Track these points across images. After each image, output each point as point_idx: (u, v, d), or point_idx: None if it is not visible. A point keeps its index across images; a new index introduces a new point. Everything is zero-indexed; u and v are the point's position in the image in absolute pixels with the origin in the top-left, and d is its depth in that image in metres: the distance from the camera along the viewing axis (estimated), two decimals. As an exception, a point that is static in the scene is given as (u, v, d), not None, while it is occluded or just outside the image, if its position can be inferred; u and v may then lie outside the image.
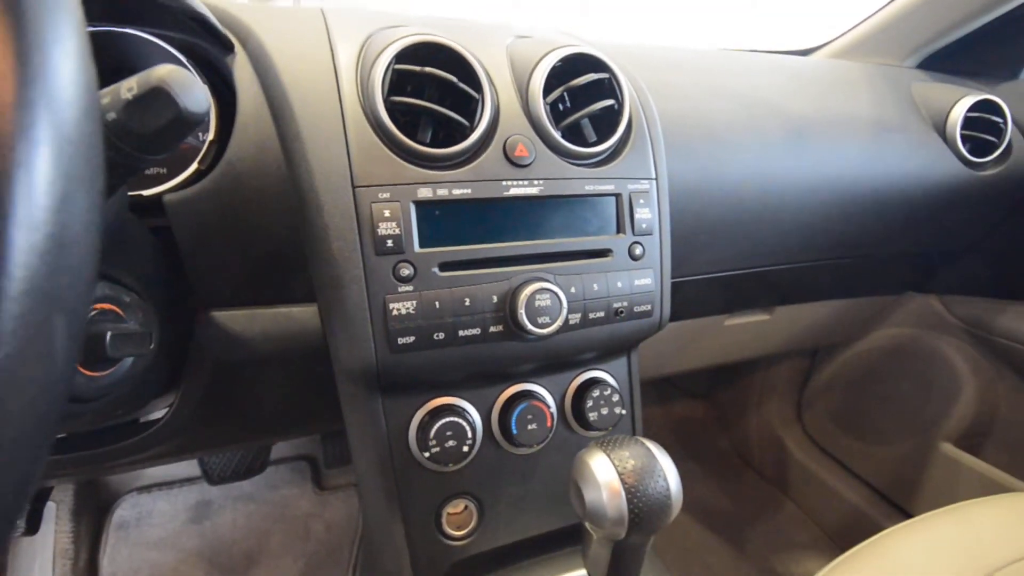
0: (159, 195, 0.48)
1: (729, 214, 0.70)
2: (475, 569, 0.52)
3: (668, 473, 0.37)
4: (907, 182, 0.80)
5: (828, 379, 1.32)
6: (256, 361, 0.60)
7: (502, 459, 0.53)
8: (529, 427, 0.52)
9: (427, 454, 0.48)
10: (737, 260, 0.78)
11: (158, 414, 0.57)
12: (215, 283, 0.54)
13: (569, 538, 0.55)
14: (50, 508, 1.09)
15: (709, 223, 0.68)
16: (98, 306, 0.39)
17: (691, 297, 0.82)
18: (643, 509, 0.35)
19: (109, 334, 0.36)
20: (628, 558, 0.38)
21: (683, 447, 1.51)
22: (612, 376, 0.58)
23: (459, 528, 0.52)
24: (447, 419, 0.49)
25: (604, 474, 0.36)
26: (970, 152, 0.84)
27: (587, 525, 0.38)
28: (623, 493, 0.35)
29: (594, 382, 0.56)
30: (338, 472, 1.34)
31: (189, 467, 1.25)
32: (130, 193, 0.48)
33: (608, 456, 0.37)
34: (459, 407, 0.51)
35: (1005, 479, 0.97)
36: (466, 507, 0.53)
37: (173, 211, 0.48)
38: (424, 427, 0.49)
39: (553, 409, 0.54)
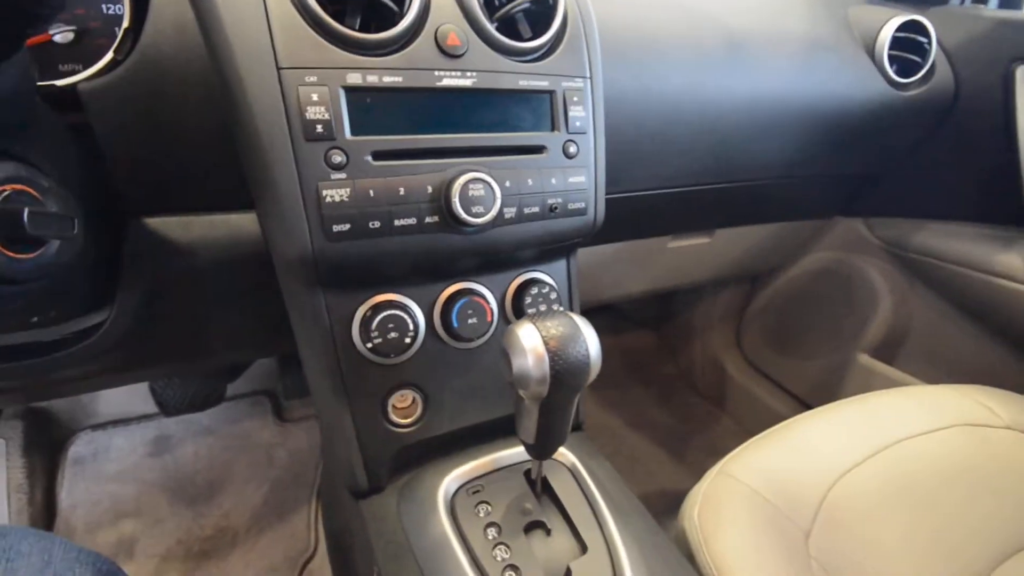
0: (74, 86, 0.46)
1: (667, 127, 0.72)
2: (421, 455, 0.56)
3: (589, 341, 0.40)
4: (836, 101, 0.83)
5: (763, 305, 1.41)
6: (195, 272, 0.59)
7: (445, 353, 0.56)
8: (470, 321, 0.54)
9: (369, 345, 0.50)
10: (676, 177, 0.81)
11: (97, 319, 0.57)
12: (142, 185, 0.52)
13: (509, 427, 0.59)
14: (-2, 445, 1.07)
15: (648, 134, 0.70)
16: (11, 186, 0.37)
17: (635, 214, 0.85)
18: (563, 370, 0.38)
19: (27, 210, 0.36)
20: (554, 416, 0.42)
21: (633, 374, 1.60)
22: (551, 277, 0.60)
23: (405, 418, 0.55)
24: (389, 312, 0.50)
25: (529, 340, 0.39)
26: (896, 73, 0.88)
27: (517, 390, 0.41)
28: (546, 357, 0.38)
29: (533, 282, 0.58)
30: (298, 404, 1.36)
31: (144, 403, 1.24)
32: (42, 83, 0.46)
33: (535, 325, 0.40)
34: (401, 302, 0.52)
35: (913, 382, 1.09)
36: (413, 400, 0.56)
37: (89, 103, 0.46)
38: (366, 321, 0.50)
39: (493, 305, 0.56)
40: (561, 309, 0.49)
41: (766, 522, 0.53)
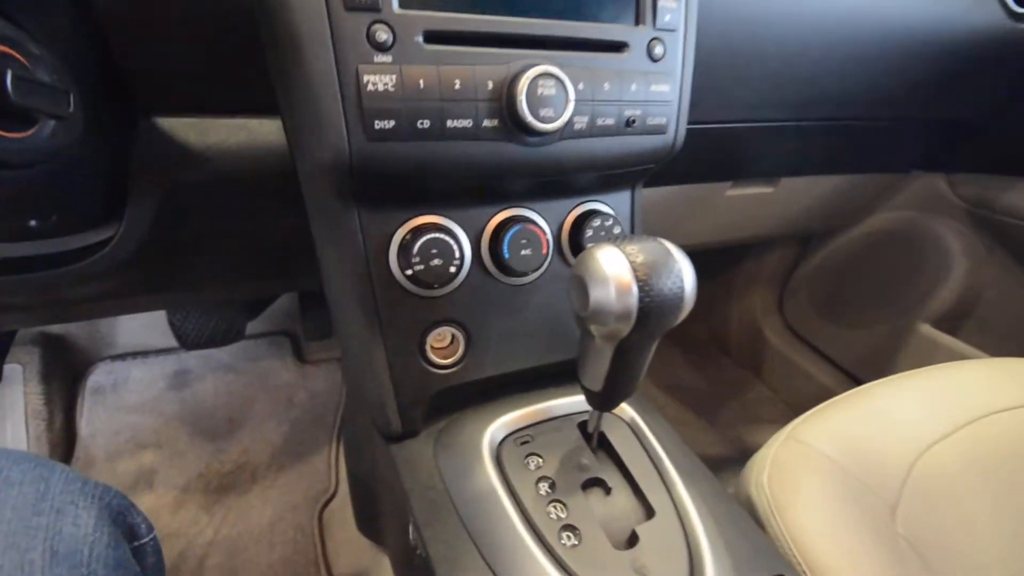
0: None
1: (756, 45, 0.61)
2: (460, 400, 0.50)
3: (684, 271, 0.33)
4: (944, 28, 0.71)
5: (815, 269, 1.31)
6: (212, 184, 0.53)
7: (492, 288, 0.49)
8: (522, 252, 0.47)
9: (409, 272, 0.44)
10: (755, 108, 0.70)
11: (106, 234, 0.51)
12: (154, 73, 0.45)
13: (560, 375, 0.53)
14: (16, 370, 1.05)
15: (732, 51, 0.60)
16: (-7, 46, 0.30)
17: (701, 151, 0.75)
18: (653, 306, 0.32)
19: (10, 72, 0.29)
20: (629, 360, 0.35)
21: (665, 335, 1.53)
22: (614, 210, 0.53)
23: (445, 358, 0.49)
24: (432, 235, 0.44)
25: (614, 267, 0.32)
26: (1017, 2, 0.75)
27: (588, 325, 0.34)
28: (634, 288, 0.31)
29: (595, 213, 0.51)
30: (319, 346, 1.33)
31: (163, 337, 1.21)
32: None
33: (620, 250, 0.32)
34: (446, 226, 0.45)
35: (980, 356, 1.00)
36: (452, 339, 0.50)
37: None
38: (406, 246, 0.43)
39: (549, 236, 0.49)
40: None
41: (846, 493, 0.47)
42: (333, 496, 1.02)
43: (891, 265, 1.13)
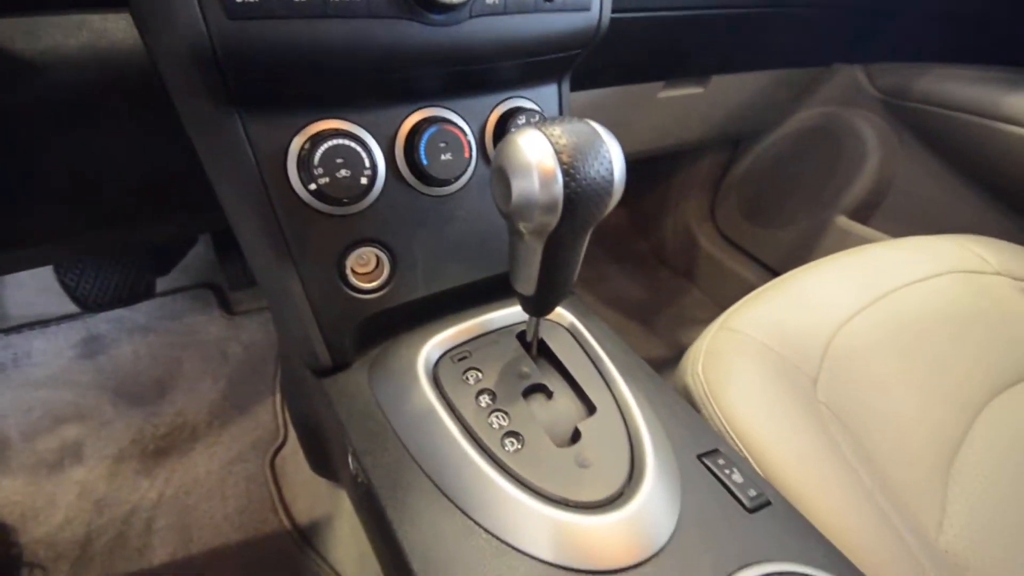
0: None
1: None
2: (392, 326, 0.48)
3: (612, 153, 0.30)
4: None
5: (743, 173, 1.34)
6: (48, 101, 0.43)
7: (414, 201, 0.45)
8: (442, 157, 0.43)
9: (313, 187, 0.39)
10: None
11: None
12: None
13: (497, 290, 0.51)
14: None
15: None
16: None
17: (626, 47, 0.71)
18: (580, 193, 0.29)
19: None
20: (561, 257, 0.33)
21: (606, 252, 1.55)
22: (540, 106, 0.49)
23: (369, 282, 0.46)
24: (335, 142, 0.38)
25: (535, 152, 0.29)
26: None
27: (514, 223, 0.32)
28: (558, 174, 0.28)
29: (519, 111, 0.47)
30: (247, 295, 1.24)
31: (61, 302, 1.08)
32: None
33: (542, 132, 0.29)
34: (351, 132, 0.40)
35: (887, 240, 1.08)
36: (377, 261, 0.46)
37: None
38: (306, 157, 0.38)
39: (471, 138, 0.45)
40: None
41: (773, 371, 0.50)
42: (283, 444, 0.99)
43: (812, 163, 1.17)
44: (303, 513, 0.89)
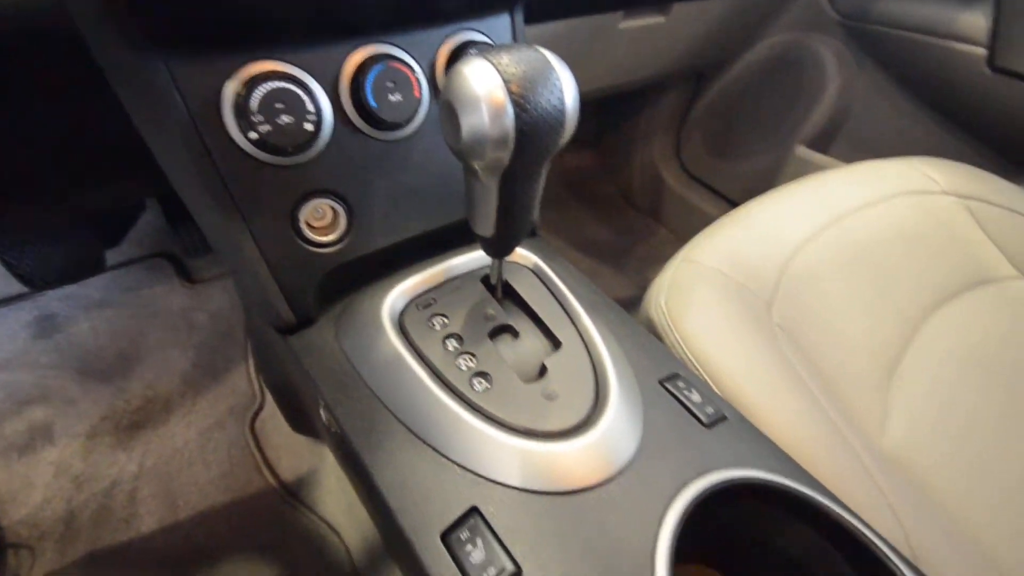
0: None
1: None
2: (355, 279, 0.47)
3: (564, 82, 0.29)
4: None
5: (707, 107, 1.33)
6: None
7: (365, 147, 0.43)
8: (391, 98, 0.41)
9: (254, 136, 0.36)
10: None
11: None
12: None
13: (458, 238, 0.50)
14: None
15: None
16: None
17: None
18: (532, 125, 0.28)
19: None
20: (517, 193, 0.33)
21: (573, 194, 1.54)
22: (493, 40, 0.46)
23: (325, 235, 0.44)
24: (273, 85, 0.36)
25: (483, 83, 0.27)
26: None
27: (467, 161, 0.31)
28: (508, 105, 0.27)
29: (471, 44, 0.44)
30: (206, 262, 1.20)
31: (6, 283, 1.03)
32: None
33: (490, 61, 0.28)
34: (289, 74, 0.37)
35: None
36: (333, 214, 0.44)
37: None
38: (242, 103, 0.36)
39: (420, 75, 0.43)
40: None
41: (731, 297, 0.52)
42: (261, 407, 0.99)
43: (774, 93, 1.17)
44: (288, 471, 0.91)
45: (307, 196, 0.42)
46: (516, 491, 0.32)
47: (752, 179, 1.24)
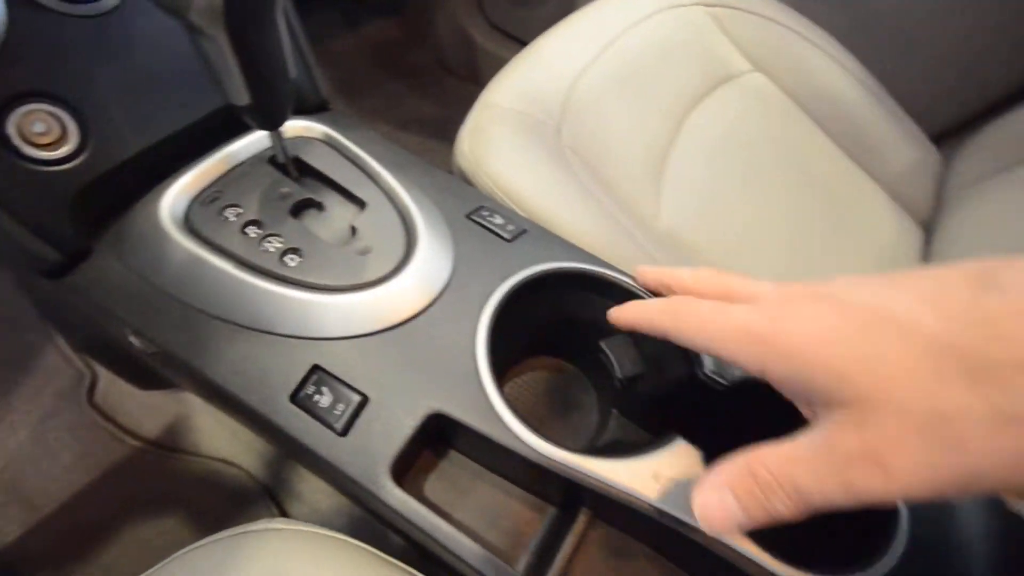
0: None
1: None
2: (126, 193, 0.41)
3: None
4: None
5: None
6: None
7: (62, 27, 0.35)
8: (62, -45, 0.33)
9: None
10: None
11: None
12: None
13: (231, 126, 0.45)
14: None
15: None
16: None
17: None
18: None
19: None
20: (254, 42, 0.30)
21: (386, 71, 1.43)
22: None
23: (54, 150, 0.37)
24: None
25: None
26: None
27: (180, 14, 0.27)
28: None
29: None
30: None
31: None
32: None
33: None
34: None
35: None
36: (62, 125, 0.37)
37: None
38: None
39: (92, -78, 0.35)
40: None
41: (526, 130, 0.56)
42: (95, 379, 0.88)
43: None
44: (154, 429, 0.86)
45: (7, 102, 0.34)
46: (349, 340, 0.35)
47: (553, 21, 1.25)
